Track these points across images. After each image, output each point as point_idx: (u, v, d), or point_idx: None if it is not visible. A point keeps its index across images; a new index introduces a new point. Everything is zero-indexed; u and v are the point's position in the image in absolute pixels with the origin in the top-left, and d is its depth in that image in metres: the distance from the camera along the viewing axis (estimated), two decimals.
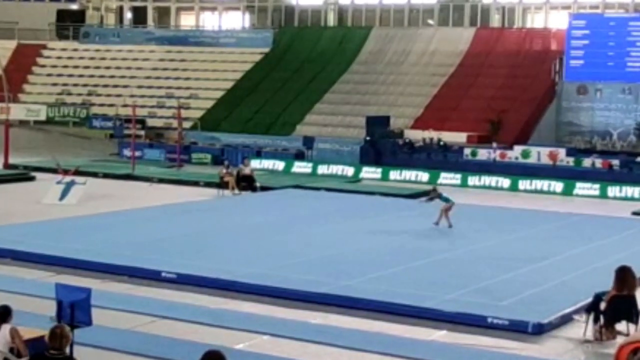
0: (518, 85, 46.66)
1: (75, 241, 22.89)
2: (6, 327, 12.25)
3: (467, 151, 41.09)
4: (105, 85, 55.33)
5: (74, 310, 15.42)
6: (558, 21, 50.33)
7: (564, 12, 50.88)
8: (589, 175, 37.30)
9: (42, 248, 21.89)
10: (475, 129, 43.93)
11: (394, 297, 17.99)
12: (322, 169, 40.51)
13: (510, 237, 25.48)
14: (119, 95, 53.08)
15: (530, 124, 44.62)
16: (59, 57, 59.22)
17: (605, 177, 37.10)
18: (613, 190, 35.62)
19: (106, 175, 37.25)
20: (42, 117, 52.19)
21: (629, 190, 35.40)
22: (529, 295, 18.66)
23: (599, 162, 38.63)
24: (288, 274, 19.83)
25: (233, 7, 61.26)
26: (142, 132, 47.49)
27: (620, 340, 15.05)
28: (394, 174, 39.20)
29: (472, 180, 38.03)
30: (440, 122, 44.59)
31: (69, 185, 31.32)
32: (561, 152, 39.77)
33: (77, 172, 33.29)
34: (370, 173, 39.73)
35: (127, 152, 43.32)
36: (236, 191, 33.77)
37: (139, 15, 63.49)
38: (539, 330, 16.47)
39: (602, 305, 16.17)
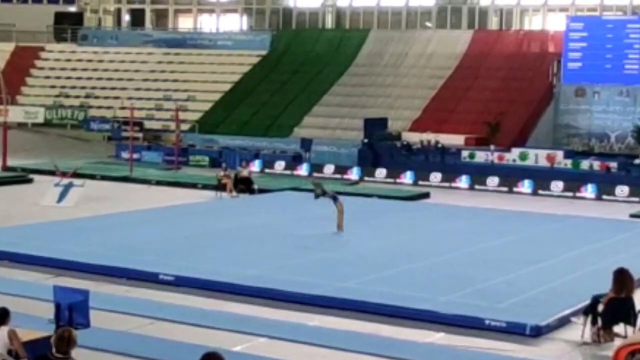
0: (516, 87, 46.68)
1: (73, 243, 22.90)
2: (4, 329, 12.25)
3: (465, 153, 41.09)
4: (103, 88, 55.29)
5: (72, 312, 15.45)
6: (556, 23, 50.34)
7: (561, 14, 50.89)
8: (586, 178, 37.31)
9: (40, 250, 21.90)
10: (473, 131, 43.95)
11: (391, 299, 18.00)
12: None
13: (507, 240, 25.49)
14: (116, 98, 53.02)
15: (528, 126, 44.64)
16: (57, 60, 59.20)
17: (603, 179, 37.11)
18: (611, 193, 35.64)
19: (104, 178, 37.24)
20: (40, 120, 52.17)
21: (627, 193, 35.40)
22: (526, 298, 18.67)
23: (596, 165, 38.65)
24: (285, 276, 19.84)
25: (231, 9, 61.28)
26: (140, 135, 47.43)
27: (618, 342, 15.07)
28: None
29: (470, 182, 38.07)
30: (438, 124, 44.61)
31: (67, 188, 31.32)
32: (559, 155, 39.76)
33: (75, 174, 33.28)
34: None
35: (125, 155, 43.29)
36: (234, 193, 33.77)
37: (137, 18, 63.50)
38: (537, 332, 16.49)
39: (600, 308, 16.18)
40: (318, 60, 53.65)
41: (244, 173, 35.42)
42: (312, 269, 20.85)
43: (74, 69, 57.82)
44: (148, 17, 63.16)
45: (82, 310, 15.58)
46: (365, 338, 16.10)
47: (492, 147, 40.87)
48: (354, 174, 40.33)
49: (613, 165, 38.34)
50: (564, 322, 17.10)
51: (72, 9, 63.41)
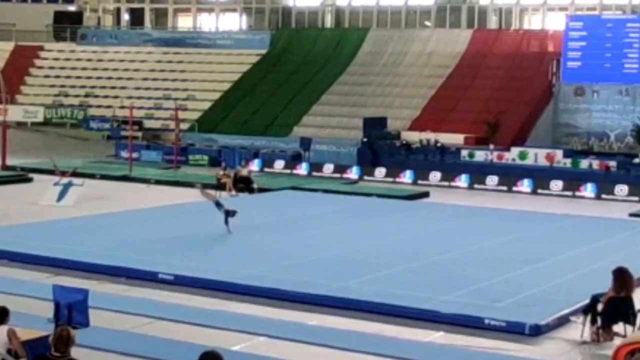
0: (515, 86, 46.68)
1: (72, 242, 22.89)
2: (4, 329, 12.25)
3: (465, 153, 41.09)
4: (103, 87, 55.31)
5: (71, 312, 15.50)
6: (555, 22, 50.35)
7: (561, 13, 50.91)
8: (586, 177, 37.31)
9: (39, 249, 21.90)
10: (472, 131, 43.94)
11: (391, 299, 18.00)
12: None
13: (507, 239, 25.49)
14: (116, 97, 53.05)
15: (527, 125, 44.64)
16: (57, 59, 59.21)
17: (602, 178, 37.11)
18: (610, 192, 35.64)
19: (103, 177, 37.23)
20: (40, 119, 52.19)
21: (626, 192, 35.41)
22: (526, 297, 18.67)
23: (596, 164, 38.64)
24: (285, 276, 19.84)
25: (230, 8, 61.27)
26: (139, 134, 47.46)
27: (617, 341, 15.07)
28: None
29: (470, 181, 38.09)
30: (437, 123, 44.61)
31: (66, 187, 31.31)
32: (558, 154, 39.76)
33: (75, 174, 33.26)
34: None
35: (124, 154, 43.29)
36: (233, 192, 33.77)
37: (136, 17, 63.49)
38: (536, 331, 16.49)
39: (600, 307, 16.18)
40: (317, 59, 53.65)
41: (244, 172, 35.42)
42: (312, 268, 20.84)
43: (73, 68, 57.85)
44: (147, 16, 63.15)
45: (81, 309, 15.63)
46: (365, 337, 16.09)
47: (491, 146, 40.87)
48: (353, 173, 40.33)
49: (612, 164, 38.34)
50: (563, 321, 17.09)
51: (72, 8, 63.40)
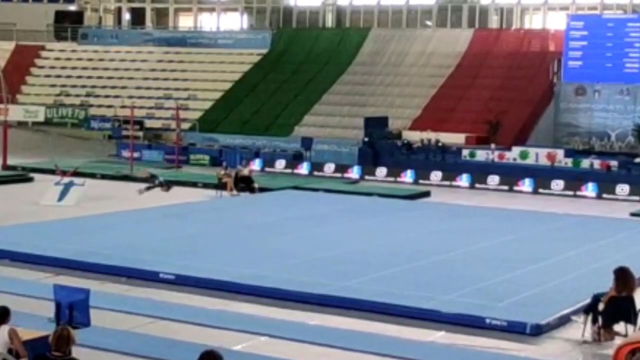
0: (516, 86, 46.67)
1: (73, 242, 22.89)
2: (5, 328, 12.24)
3: (466, 152, 41.09)
4: (104, 87, 55.32)
5: (72, 311, 15.48)
6: (556, 22, 50.33)
7: (562, 13, 50.89)
8: (587, 177, 37.31)
9: (40, 249, 21.90)
10: (473, 130, 43.92)
11: (392, 298, 18.00)
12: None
13: (508, 238, 25.48)
14: (117, 97, 53.05)
15: (528, 125, 44.63)
16: (57, 58, 59.22)
17: (603, 178, 37.10)
18: (611, 191, 35.64)
19: (104, 177, 37.26)
20: (41, 118, 52.18)
21: (627, 191, 35.40)
22: (527, 296, 18.67)
23: (597, 163, 38.63)
24: (286, 275, 19.84)
25: (231, 8, 61.27)
26: (141, 133, 47.46)
27: (618, 341, 15.06)
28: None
29: (471, 181, 38.10)
30: (438, 123, 44.58)
31: (67, 186, 31.32)
32: (559, 153, 39.75)
33: (76, 173, 33.27)
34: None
35: (125, 153, 43.30)
36: (234, 192, 33.76)
37: (137, 16, 63.49)
38: (537, 331, 16.48)
39: (601, 306, 16.17)
40: (318, 59, 53.65)
41: (245, 172, 35.40)
42: (313, 268, 20.84)
43: (74, 68, 57.85)
44: (148, 15, 63.15)
45: (82, 309, 15.61)
46: (366, 337, 16.09)
47: (492, 145, 40.87)
48: (354, 172, 40.35)
49: (613, 164, 38.32)
50: (564, 321, 17.09)
51: (73, 7, 63.40)
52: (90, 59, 58.45)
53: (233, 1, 60.91)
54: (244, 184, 34.43)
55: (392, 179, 39.31)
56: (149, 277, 19.85)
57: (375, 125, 43.95)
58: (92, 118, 51.73)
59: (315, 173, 40.65)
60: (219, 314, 17.35)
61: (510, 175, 37.89)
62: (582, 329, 16.30)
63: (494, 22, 54.43)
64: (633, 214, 31.50)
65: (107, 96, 54.16)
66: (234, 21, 61.00)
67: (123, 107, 49.12)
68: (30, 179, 36.99)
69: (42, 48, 59.98)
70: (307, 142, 43.10)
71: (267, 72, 53.59)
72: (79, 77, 56.83)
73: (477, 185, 37.95)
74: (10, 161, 39.39)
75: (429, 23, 55.85)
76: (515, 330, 16.50)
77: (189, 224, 26.54)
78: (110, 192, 33.66)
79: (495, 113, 43.33)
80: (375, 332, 16.44)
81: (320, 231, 26.09)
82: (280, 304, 18.02)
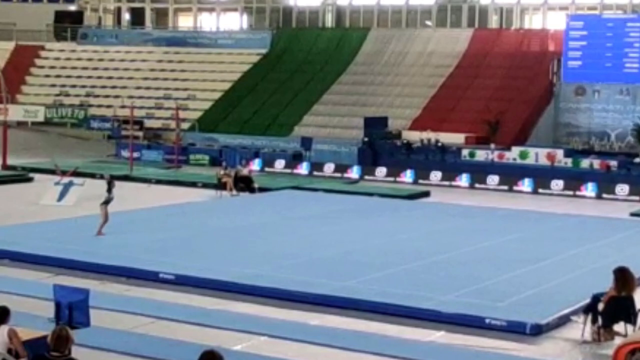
0: (516, 86, 46.67)
1: (73, 242, 22.90)
2: (4, 328, 12.23)
3: (465, 152, 41.10)
4: (103, 87, 55.32)
5: (72, 311, 15.48)
6: (556, 22, 50.33)
7: (561, 13, 50.89)
8: (587, 176, 37.31)
9: (40, 249, 21.91)
10: (473, 130, 43.91)
11: (392, 298, 18.00)
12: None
13: (508, 238, 25.49)
14: (117, 97, 53.03)
15: (528, 125, 44.62)
16: (57, 58, 59.22)
17: (603, 178, 37.10)
18: (611, 191, 35.64)
19: (104, 177, 37.16)
20: (40, 118, 52.18)
21: (627, 191, 35.40)
22: (527, 296, 18.67)
23: (597, 163, 38.63)
24: (286, 275, 19.84)
25: (231, 8, 61.26)
26: (140, 133, 47.45)
27: (618, 341, 15.07)
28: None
29: (471, 181, 38.10)
30: (438, 123, 44.58)
31: (67, 186, 31.33)
32: (559, 153, 39.76)
33: (75, 173, 33.27)
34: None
35: (125, 153, 43.32)
36: (234, 192, 33.77)
37: (137, 17, 63.48)
38: (537, 331, 16.49)
39: (600, 306, 16.18)
40: (318, 59, 53.65)
41: (244, 172, 35.43)
42: (313, 268, 20.84)
43: (74, 68, 57.85)
44: (148, 15, 63.14)
45: (82, 309, 15.61)
46: (365, 337, 16.09)
47: (492, 145, 40.87)
48: (354, 172, 40.36)
49: (613, 163, 38.33)
50: (564, 320, 17.10)
51: (72, 7, 63.42)
52: (90, 59, 58.45)
53: (233, 1, 60.91)
54: (244, 184, 34.45)
55: (391, 179, 39.32)
56: (149, 277, 19.86)
57: (375, 125, 43.96)
58: (92, 118, 51.72)
59: (315, 173, 40.66)
60: (219, 314, 17.35)
61: (510, 175, 37.90)
62: (581, 329, 16.30)
63: (493, 22, 54.44)
64: (633, 214, 31.50)
65: (106, 96, 54.16)
66: (234, 21, 61.00)
67: (123, 107, 49.11)
68: (30, 179, 36.99)
69: (42, 48, 59.99)
70: (306, 142, 43.09)
71: (266, 72, 53.59)
72: (79, 77, 56.83)
73: (477, 185, 37.96)
74: (10, 161, 39.40)
75: (428, 23, 55.85)
76: (515, 330, 16.51)
77: (188, 224, 26.53)
78: None
79: (495, 113, 43.34)
80: (374, 332, 16.45)
81: (320, 231, 26.09)
82: (280, 304, 18.03)
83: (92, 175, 36.00)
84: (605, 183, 36.26)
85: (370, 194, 34.68)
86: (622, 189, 35.63)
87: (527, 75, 47.34)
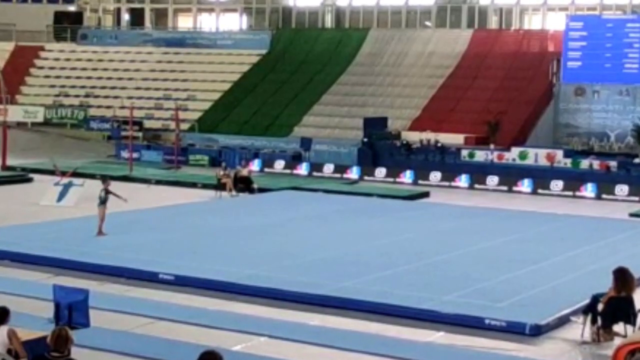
0: (515, 86, 46.66)
1: (72, 243, 22.91)
2: (4, 329, 12.24)
3: (465, 153, 41.08)
4: (103, 87, 55.30)
5: (71, 312, 15.50)
6: (555, 23, 50.34)
7: (561, 13, 50.90)
8: (586, 177, 37.32)
9: (39, 249, 21.92)
10: (472, 131, 43.90)
11: (392, 299, 18.01)
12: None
13: (507, 239, 25.49)
14: (116, 97, 53.00)
15: (527, 125, 44.61)
16: (57, 59, 59.20)
17: (602, 178, 37.10)
18: (610, 192, 35.64)
19: (104, 177, 37.16)
20: (40, 119, 52.17)
21: (627, 192, 35.40)
22: (526, 297, 18.68)
23: (596, 164, 38.62)
24: (286, 276, 19.85)
25: (230, 8, 61.26)
26: (140, 134, 47.45)
27: (617, 341, 15.07)
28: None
29: (470, 181, 38.10)
30: (437, 123, 44.59)
31: (66, 187, 31.34)
32: (559, 154, 39.75)
33: (75, 174, 33.27)
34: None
35: (124, 154, 43.32)
36: (233, 193, 33.77)
37: (137, 17, 63.48)
38: (537, 331, 16.50)
39: (600, 307, 16.18)
40: (318, 59, 53.63)
41: (244, 172, 35.42)
42: (312, 269, 20.85)
43: (73, 69, 57.84)
44: (147, 16, 63.13)
45: (81, 309, 15.64)
46: (365, 337, 16.09)
47: (491, 146, 40.88)
48: (353, 173, 40.35)
49: (613, 164, 38.33)
50: (563, 321, 17.10)
51: (72, 8, 63.39)
52: (89, 60, 58.44)
53: (232, 2, 60.91)
54: (243, 184, 34.45)
55: (391, 179, 39.32)
56: (149, 278, 19.87)
57: (375, 126, 43.96)
58: (92, 119, 51.70)
59: (315, 173, 40.65)
60: (218, 314, 17.35)
61: (510, 175, 37.91)
62: (581, 329, 16.31)
63: (493, 23, 54.43)
64: (632, 215, 31.49)
65: (106, 97, 54.14)
66: (233, 22, 60.99)
67: (122, 107, 49.09)
68: (29, 180, 36.99)
69: (42, 49, 59.97)
70: (306, 143, 43.10)
71: (266, 72, 53.58)
72: (78, 77, 56.80)
73: (476, 186, 37.96)
74: (10, 162, 39.41)
75: (428, 23, 55.86)
76: (514, 330, 16.51)
77: (188, 224, 26.53)
78: None
79: (495, 113, 43.31)
80: (374, 332, 16.45)
81: (320, 232, 26.09)
82: (280, 305, 18.03)
83: (92, 176, 36.05)
84: (605, 184, 36.26)
85: (370, 195, 34.69)
86: (622, 190, 35.63)
87: (527, 75, 47.34)
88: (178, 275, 19.79)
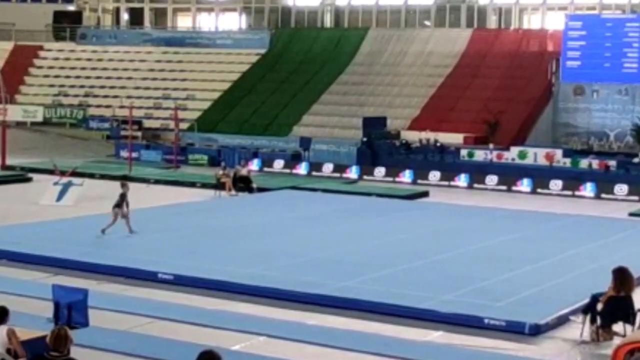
0: (515, 86, 46.68)
1: (72, 242, 22.90)
2: (3, 328, 12.24)
3: (464, 152, 41.10)
4: (102, 87, 55.32)
5: (71, 311, 15.49)
6: (555, 22, 50.38)
7: (560, 13, 50.93)
8: (585, 176, 37.32)
9: (39, 249, 21.90)
10: (472, 130, 43.94)
11: (391, 298, 18.00)
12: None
13: (506, 238, 25.49)
14: (115, 97, 53.05)
15: (527, 125, 44.65)
16: (56, 59, 59.22)
17: (602, 178, 37.11)
18: (610, 191, 35.64)
19: (103, 177, 37.19)
20: (39, 119, 52.16)
21: (626, 191, 35.40)
22: (525, 296, 18.68)
23: (595, 163, 38.64)
24: (284, 275, 19.84)
25: (230, 8, 61.28)
26: (139, 134, 47.47)
27: (617, 341, 15.07)
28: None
29: (469, 181, 38.11)
30: (437, 123, 44.60)
31: (66, 187, 31.32)
32: (558, 153, 39.78)
33: (74, 173, 33.27)
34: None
35: (124, 154, 43.31)
36: (233, 192, 33.76)
37: (136, 17, 63.50)
38: (536, 331, 16.49)
39: (599, 306, 16.18)
40: (317, 59, 53.67)
41: (243, 172, 35.40)
42: (311, 268, 20.84)
43: (72, 68, 57.86)
44: (147, 15, 63.16)
45: (81, 309, 15.63)
46: (364, 337, 16.09)
47: (491, 145, 40.89)
48: (353, 172, 40.35)
49: (612, 163, 38.35)
50: (563, 320, 17.09)
51: (71, 7, 63.42)
52: (88, 59, 58.45)
53: (231, 1, 60.92)
54: (243, 184, 34.45)
55: (390, 179, 39.31)
56: (148, 277, 19.85)
57: (374, 125, 43.97)
58: (91, 118, 51.72)
59: (314, 173, 40.64)
60: (218, 314, 17.34)
61: (509, 175, 37.90)
62: (580, 328, 16.30)
63: (492, 22, 54.47)
64: (632, 214, 31.48)
65: (105, 96, 54.17)
66: (233, 21, 61.01)
67: (121, 107, 49.14)
68: (28, 179, 36.97)
69: (41, 48, 59.98)
70: (305, 142, 43.10)
71: (265, 72, 53.60)
72: (78, 77, 56.83)
73: (476, 185, 37.95)
74: (9, 161, 39.39)
75: (427, 23, 55.89)
76: (513, 330, 16.51)
77: (187, 224, 26.52)
78: (108, 192, 33.55)
79: (494, 113, 43.34)
80: (373, 332, 16.44)
81: (319, 231, 26.09)
82: (279, 304, 18.02)
83: (91, 176, 36.10)
84: (604, 183, 36.26)
85: (369, 194, 34.68)
86: (621, 189, 35.62)
87: (526, 75, 47.37)
88: (177, 274, 19.79)
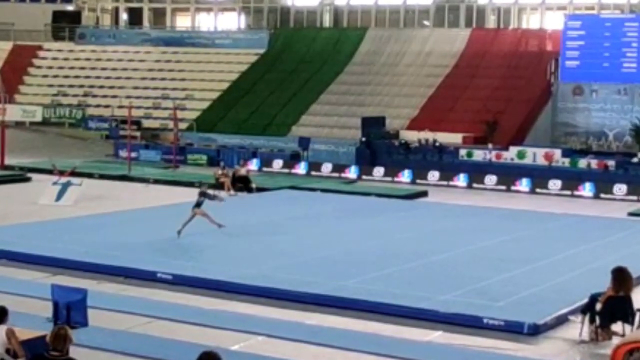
0: (514, 86, 46.68)
1: (71, 242, 22.90)
2: (2, 328, 12.24)
3: (463, 152, 41.11)
4: (101, 87, 55.28)
5: (70, 311, 15.50)
6: (553, 22, 50.37)
7: (559, 12, 50.94)
8: (584, 176, 37.33)
9: (38, 249, 21.90)
10: (471, 130, 43.93)
11: (390, 298, 18.01)
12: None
13: (505, 238, 25.49)
14: (114, 97, 53.02)
15: (526, 124, 44.64)
16: (55, 58, 59.16)
17: (601, 177, 37.12)
18: (609, 191, 35.65)
19: (102, 176, 37.22)
20: (38, 118, 52.07)
21: (625, 191, 35.41)
22: (524, 296, 18.69)
23: (594, 163, 38.65)
24: (284, 275, 19.85)
25: (229, 8, 61.26)
26: (138, 133, 47.45)
27: (615, 341, 15.07)
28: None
29: (468, 180, 38.11)
30: (435, 123, 44.59)
31: (65, 186, 31.31)
32: (557, 153, 39.79)
33: (73, 173, 33.27)
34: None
35: (123, 153, 43.31)
36: (232, 192, 33.77)
37: (135, 16, 63.46)
38: (535, 331, 16.50)
39: (598, 306, 16.19)
40: (316, 58, 53.65)
41: (242, 172, 35.42)
42: (310, 268, 20.85)
43: (71, 68, 57.80)
44: (146, 15, 63.12)
45: (80, 309, 15.64)
46: (363, 337, 16.09)
47: (489, 145, 40.90)
48: (351, 172, 40.35)
49: (611, 163, 38.35)
50: (562, 320, 17.10)
51: (70, 7, 63.33)
52: (87, 59, 58.41)
53: (230, 1, 60.91)
54: (242, 183, 34.47)
55: (389, 178, 39.32)
56: (147, 277, 19.86)
57: (373, 125, 43.97)
58: (90, 118, 51.70)
59: (313, 173, 40.65)
60: (217, 313, 17.35)
61: (508, 175, 37.92)
62: (579, 328, 16.31)
63: (491, 22, 54.46)
64: (630, 214, 31.50)
65: (104, 96, 54.12)
66: (232, 21, 60.99)
67: (120, 107, 49.12)
68: (27, 179, 36.96)
69: (40, 48, 59.92)
70: (304, 142, 43.11)
71: (264, 72, 53.58)
72: (77, 77, 56.78)
73: (475, 185, 37.96)
74: (8, 161, 39.40)
75: (426, 23, 55.88)
76: (512, 330, 16.52)
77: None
78: (107, 192, 33.63)
79: (493, 113, 43.32)
80: (372, 331, 16.45)
81: (318, 231, 26.10)
82: (278, 304, 18.03)
83: (90, 175, 36.10)
84: (603, 183, 36.27)
85: (368, 194, 34.68)
86: (620, 189, 35.63)
87: (525, 75, 47.37)
88: (176, 274, 19.79)
